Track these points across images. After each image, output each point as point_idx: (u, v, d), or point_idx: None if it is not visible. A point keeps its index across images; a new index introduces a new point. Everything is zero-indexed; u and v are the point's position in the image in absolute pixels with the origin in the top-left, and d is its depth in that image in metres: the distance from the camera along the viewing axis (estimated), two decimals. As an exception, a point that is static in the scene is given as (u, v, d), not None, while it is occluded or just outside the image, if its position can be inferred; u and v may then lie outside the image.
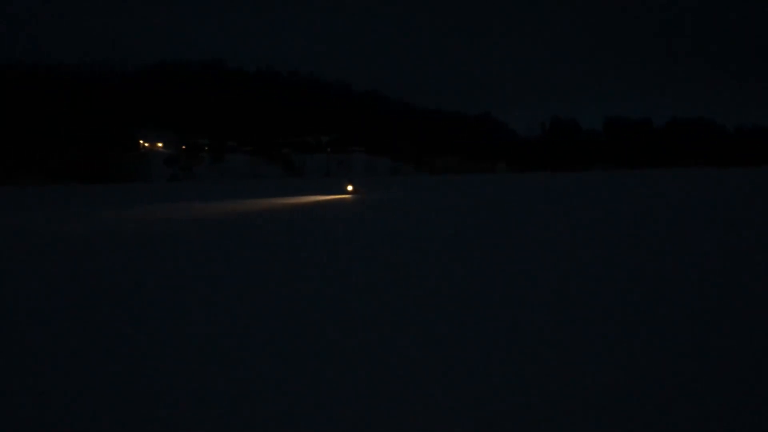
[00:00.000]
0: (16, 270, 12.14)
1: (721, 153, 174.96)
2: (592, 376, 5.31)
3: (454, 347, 6.16)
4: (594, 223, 19.10)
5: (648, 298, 8.12)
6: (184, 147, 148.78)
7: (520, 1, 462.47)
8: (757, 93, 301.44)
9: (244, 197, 42.73)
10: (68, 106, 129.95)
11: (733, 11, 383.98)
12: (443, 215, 23.67)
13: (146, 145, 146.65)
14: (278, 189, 60.23)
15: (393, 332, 6.75)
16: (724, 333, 6.49)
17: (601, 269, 10.47)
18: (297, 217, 23.86)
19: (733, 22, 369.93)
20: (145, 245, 15.50)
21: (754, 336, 6.37)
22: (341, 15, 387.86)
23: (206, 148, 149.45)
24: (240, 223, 21.68)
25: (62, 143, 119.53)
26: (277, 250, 14.00)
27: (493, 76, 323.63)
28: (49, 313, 8.23)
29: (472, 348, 6.12)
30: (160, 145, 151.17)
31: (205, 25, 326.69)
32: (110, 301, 8.83)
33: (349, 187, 47.50)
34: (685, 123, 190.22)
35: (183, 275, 10.80)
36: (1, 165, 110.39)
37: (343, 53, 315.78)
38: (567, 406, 4.73)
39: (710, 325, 6.83)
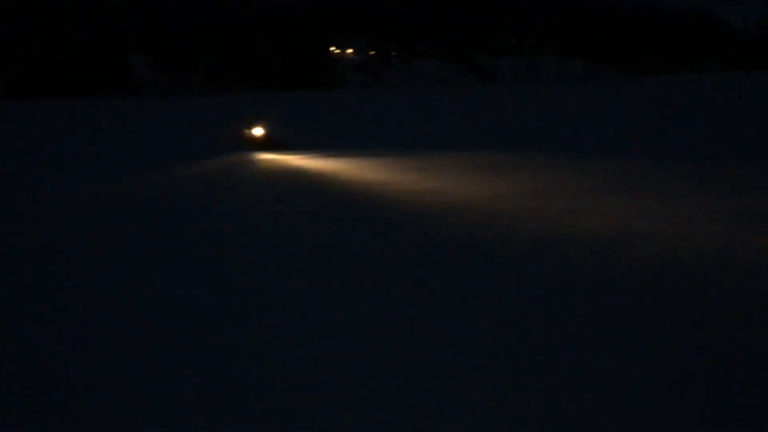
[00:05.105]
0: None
1: None
2: None
3: None
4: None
5: None
6: (372, 53, 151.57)
7: None
8: None
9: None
10: (267, 17, 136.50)
11: None
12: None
13: (337, 51, 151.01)
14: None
15: None
16: None
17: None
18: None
19: None
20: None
21: None
22: None
23: (394, 54, 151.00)
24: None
25: (266, 53, 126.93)
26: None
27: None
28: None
29: None
30: (349, 51, 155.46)
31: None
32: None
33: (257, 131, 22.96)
34: None
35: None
36: (215, 74, 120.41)
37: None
38: None
39: None
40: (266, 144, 21.47)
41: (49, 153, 23.15)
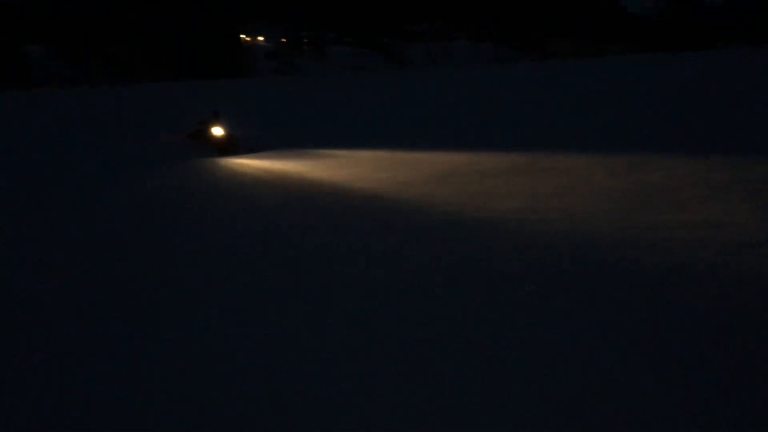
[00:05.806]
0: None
1: None
2: None
3: None
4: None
5: None
6: (284, 40, 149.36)
7: None
8: None
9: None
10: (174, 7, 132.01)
11: None
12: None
13: (248, 39, 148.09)
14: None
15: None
16: None
17: None
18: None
19: None
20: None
21: None
22: None
23: (305, 41, 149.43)
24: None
25: (173, 41, 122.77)
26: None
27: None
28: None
29: None
30: (260, 39, 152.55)
31: None
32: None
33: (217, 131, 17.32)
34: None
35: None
36: (119, 63, 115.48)
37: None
38: None
39: None
40: (228, 147, 16.77)
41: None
